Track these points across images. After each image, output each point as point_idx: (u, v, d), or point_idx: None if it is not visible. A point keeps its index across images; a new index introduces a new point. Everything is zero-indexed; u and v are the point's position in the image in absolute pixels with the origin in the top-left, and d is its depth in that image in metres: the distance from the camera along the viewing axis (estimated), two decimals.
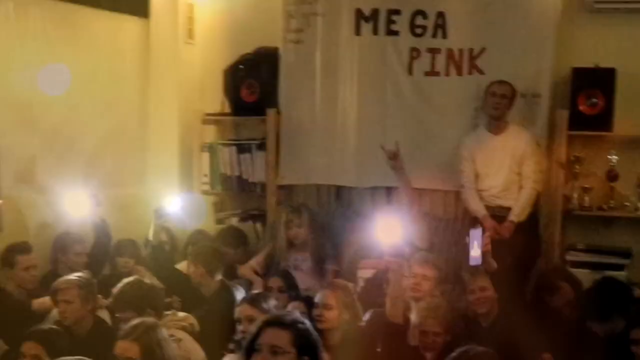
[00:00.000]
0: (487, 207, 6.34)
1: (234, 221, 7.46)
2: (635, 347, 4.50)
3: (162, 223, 5.95)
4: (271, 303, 4.77)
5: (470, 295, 5.46)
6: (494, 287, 5.40)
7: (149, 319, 4.20)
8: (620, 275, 6.16)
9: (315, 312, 4.97)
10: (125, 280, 5.20)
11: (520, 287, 6.05)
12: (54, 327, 4.55)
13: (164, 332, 4.10)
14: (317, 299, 5.08)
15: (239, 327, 4.63)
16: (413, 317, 4.99)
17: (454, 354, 3.28)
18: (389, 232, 4.83)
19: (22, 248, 5.90)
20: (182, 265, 6.42)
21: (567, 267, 6.31)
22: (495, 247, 6.03)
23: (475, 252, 5.25)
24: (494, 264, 5.42)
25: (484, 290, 5.40)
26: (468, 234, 5.43)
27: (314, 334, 3.50)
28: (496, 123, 6.40)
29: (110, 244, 6.52)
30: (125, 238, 6.74)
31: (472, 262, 5.25)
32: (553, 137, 6.61)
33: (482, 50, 6.79)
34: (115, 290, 5.08)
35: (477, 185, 6.45)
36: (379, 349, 5.17)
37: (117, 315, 4.97)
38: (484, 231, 5.47)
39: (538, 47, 6.61)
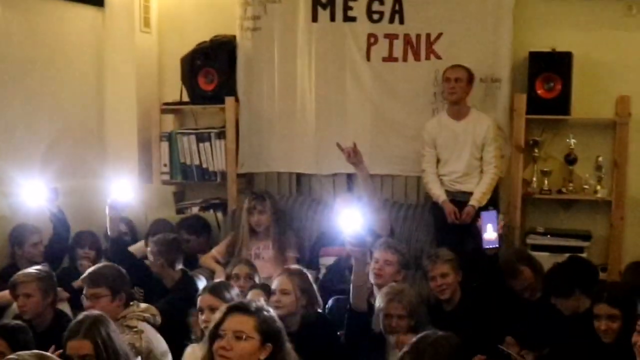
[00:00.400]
0: (448, 192, 6.35)
1: (195, 210, 7.42)
2: (597, 322, 4.54)
3: (116, 214, 5.89)
4: (233, 292, 4.75)
5: (432, 281, 5.48)
6: (455, 272, 5.43)
7: (94, 312, 4.15)
8: None
9: (272, 298, 4.96)
10: (106, 263, 5.21)
11: (482, 272, 6.07)
12: (18, 322, 4.48)
13: (112, 324, 4.05)
14: (274, 285, 5.07)
15: (201, 317, 4.60)
16: (377, 302, 4.99)
17: (414, 340, 3.28)
18: (350, 220, 4.82)
19: None
20: (137, 246, 6.42)
21: (528, 251, 6.34)
22: (456, 233, 6.08)
23: (490, 235, 5.17)
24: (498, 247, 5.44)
25: (445, 276, 5.41)
26: (479, 217, 5.39)
27: (279, 322, 3.52)
28: (456, 108, 6.40)
29: (69, 235, 6.46)
30: (85, 229, 6.70)
31: (486, 245, 5.20)
32: (511, 121, 6.63)
33: (440, 35, 6.78)
34: (92, 268, 5.05)
35: (438, 170, 6.45)
36: (341, 336, 5.19)
37: (88, 292, 4.89)
38: (498, 212, 5.43)
39: (495, 32, 6.62)
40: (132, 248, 6.38)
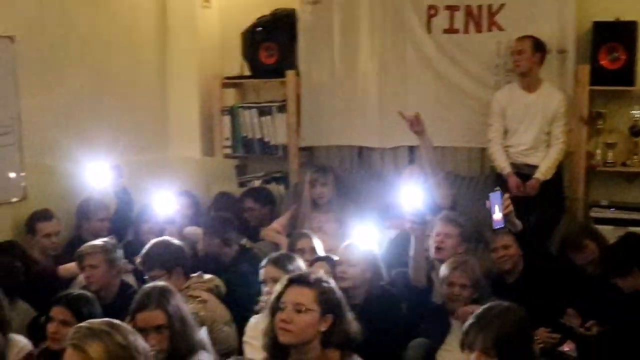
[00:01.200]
0: (512, 164, 6.29)
1: (257, 184, 7.48)
2: None
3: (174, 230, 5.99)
4: (296, 264, 4.77)
5: (494, 253, 5.49)
6: (517, 244, 5.41)
7: (160, 283, 4.18)
8: None
9: (338, 269, 4.97)
10: (154, 240, 5.24)
11: (545, 245, 6.04)
12: (83, 292, 4.55)
13: (177, 294, 4.08)
14: (340, 256, 5.09)
15: (265, 289, 4.64)
16: (441, 272, 5.00)
17: (480, 310, 3.28)
18: (411, 197, 4.83)
19: (43, 215, 5.97)
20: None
21: (593, 225, 6.26)
22: (520, 205, 6.03)
23: (497, 216, 5.21)
24: (519, 224, 5.41)
25: (507, 248, 5.42)
26: (488, 199, 5.41)
27: (338, 292, 3.54)
28: (527, 80, 6.30)
29: (132, 212, 6.55)
30: (149, 204, 6.78)
31: (495, 226, 5.22)
32: (575, 93, 6.53)
33: (501, 6, 6.69)
34: (144, 250, 5.12)
35: (505, 141, 6.39)
36: (403, 309, 5.21)
37: (146, 276, 5.00)
38: (502, 193, 5.45)
39: (559, 1, 6.51)
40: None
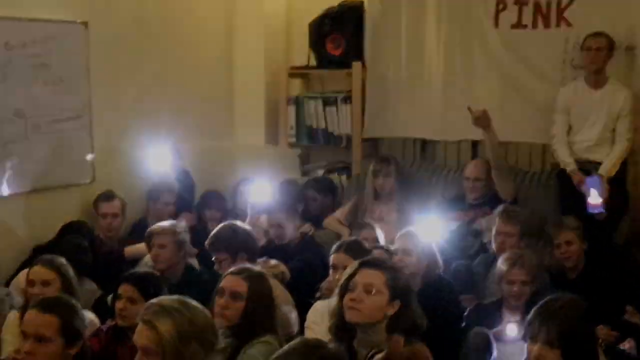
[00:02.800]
0: (576, 161, 6.23)
1: (320, 173, 7.53)
2: None
3: (255, 214, 6.13)
4: (367, 252, 4.81)
5: (557, 249, 5.49)
6: (580, 241, 5.41)
7: (258, 268, 4.27)
8: None
9: (395, 258, 5.00)
10: (222, 223, 5.34)
11: (607, 242, 6.00)
12: (150, 271, 4.64)
13: (271, 286, 4.14)
14: (397, 245, 5.12)
15: (335, 275, 4.65)
16: (497, 266, 4.99)
17: (543, 302, 3.28)
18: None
19: (105, 196, 6.17)
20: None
21: None
22: (579, 201, 6.00)
23: (595, 200, 5.21)
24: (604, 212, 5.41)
25: (570, 244, 5.42)
26: (585, 182, 5.39)
27: (408, 281, 3.58)
28: (595, 77, 6.19)
29: (194, 195, 6.64)
30: (212, 190, 6.88)
31: (591, 210, 5.23)
32: None
33: (571, 1, 6.62)
34: (212, 232, 5.22)
35: (569, 138, 6.30)
36: (463, 300, 5.23)
37: (214, 256, 5.11)
38: (601, 178, 5.40)
39: None
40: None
